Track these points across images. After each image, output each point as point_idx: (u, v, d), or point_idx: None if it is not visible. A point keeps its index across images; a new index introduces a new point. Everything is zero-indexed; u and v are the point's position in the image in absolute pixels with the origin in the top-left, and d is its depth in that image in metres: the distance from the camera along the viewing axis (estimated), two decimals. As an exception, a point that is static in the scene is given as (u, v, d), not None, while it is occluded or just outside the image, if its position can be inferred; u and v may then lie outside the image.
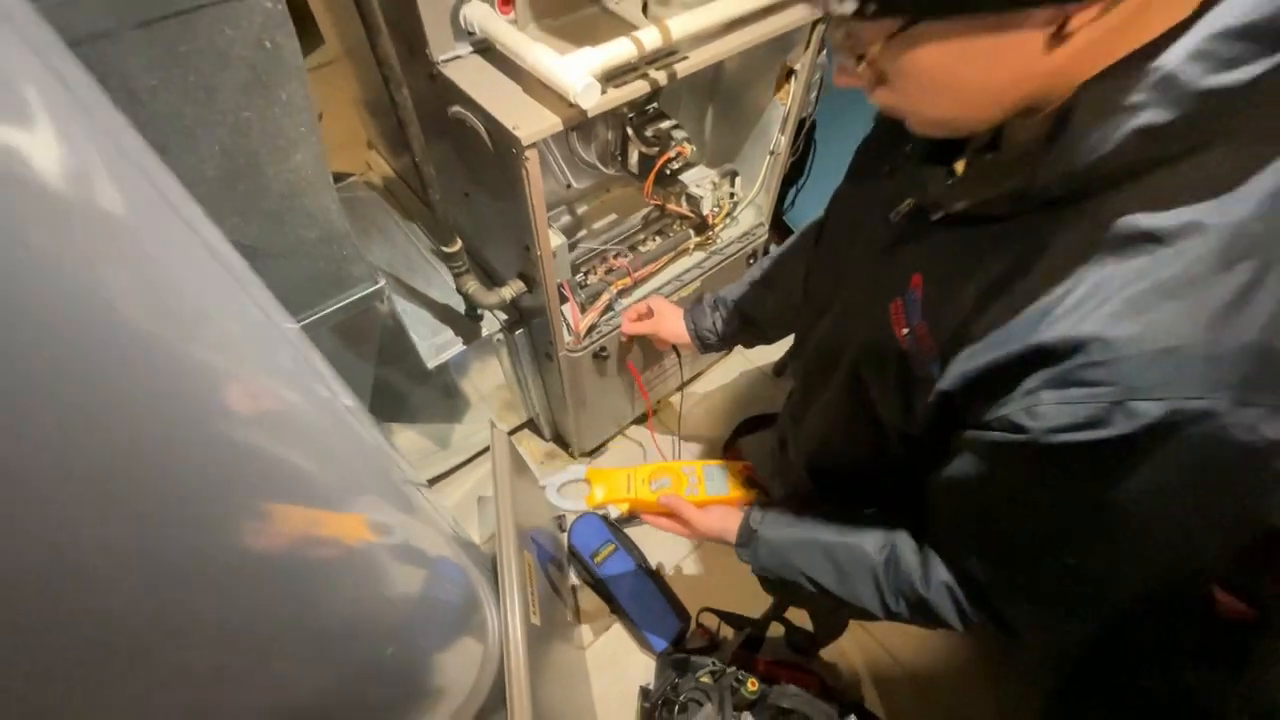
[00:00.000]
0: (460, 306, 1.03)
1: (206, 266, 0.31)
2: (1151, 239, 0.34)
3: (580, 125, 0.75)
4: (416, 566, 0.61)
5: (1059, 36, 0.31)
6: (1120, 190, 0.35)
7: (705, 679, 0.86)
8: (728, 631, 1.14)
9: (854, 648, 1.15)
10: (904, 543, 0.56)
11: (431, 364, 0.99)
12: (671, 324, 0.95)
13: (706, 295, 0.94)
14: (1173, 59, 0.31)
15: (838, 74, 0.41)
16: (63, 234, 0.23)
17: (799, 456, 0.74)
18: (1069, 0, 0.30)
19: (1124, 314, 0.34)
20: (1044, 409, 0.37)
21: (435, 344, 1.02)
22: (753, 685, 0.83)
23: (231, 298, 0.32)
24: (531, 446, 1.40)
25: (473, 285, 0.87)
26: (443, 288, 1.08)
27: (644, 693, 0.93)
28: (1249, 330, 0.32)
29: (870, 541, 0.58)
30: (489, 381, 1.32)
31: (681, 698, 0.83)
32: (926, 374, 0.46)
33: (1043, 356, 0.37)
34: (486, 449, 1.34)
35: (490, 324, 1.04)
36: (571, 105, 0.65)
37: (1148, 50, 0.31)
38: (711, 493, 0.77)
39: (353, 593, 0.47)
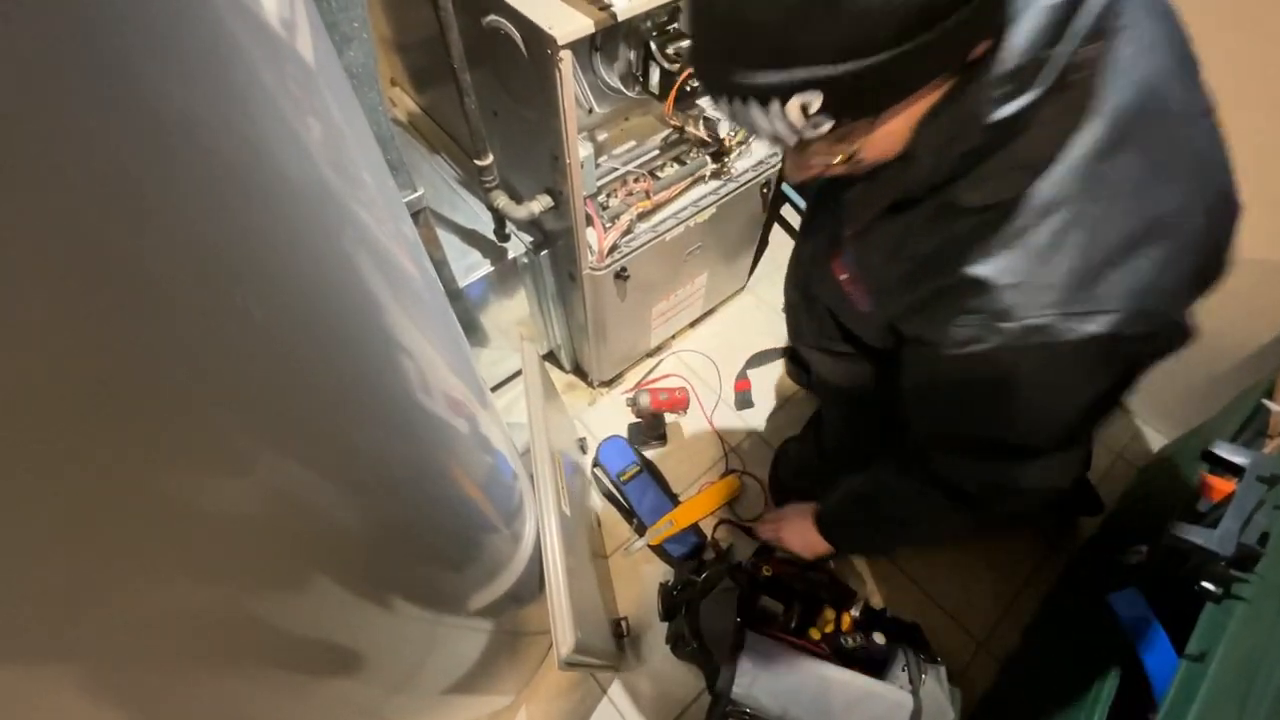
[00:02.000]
0: (487, 232, 1.08)
1: (363, 134, 0.36)
2: (980, 210, 0.48)
3: (609, 34, 0.79)
4: (486, 453, 0.68)
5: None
6: (956, 182, 0.49)
7: (724, 567, 0.93)
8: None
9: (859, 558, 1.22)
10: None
11: (462, 282, 1.04)
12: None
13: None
14: (969, 104, 0.43)
15: (798, 172, 0.52)
16: (281, 74, 0.28)
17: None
18: (954, 67, 0.41)
19: (980, 261, 0.49)
20: (946, 330, 0.53)
21: (465, 265, 1.07)
22: (768, 570, 0.90)
23: (375, 164, 0.38)
24: (553, 378, 1.45)
25: (503, 199, 0.92)
26: (469, 215, 1.12)
27: (663, 587, 1.00)
28: (1064, 262, 0.46)
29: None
30: (508, 316, 1.37)
31: (703, 577, 0.89)
32: (868, 309, 0.67)
33: (937, 295, 0.54)
34: (511, 377, 1.40)
35: (516, 247, 1.09)
36: (603, 8, 0.69)
37: (954, 94, 0.43)
38: None
39: (453, 445, 0.53)
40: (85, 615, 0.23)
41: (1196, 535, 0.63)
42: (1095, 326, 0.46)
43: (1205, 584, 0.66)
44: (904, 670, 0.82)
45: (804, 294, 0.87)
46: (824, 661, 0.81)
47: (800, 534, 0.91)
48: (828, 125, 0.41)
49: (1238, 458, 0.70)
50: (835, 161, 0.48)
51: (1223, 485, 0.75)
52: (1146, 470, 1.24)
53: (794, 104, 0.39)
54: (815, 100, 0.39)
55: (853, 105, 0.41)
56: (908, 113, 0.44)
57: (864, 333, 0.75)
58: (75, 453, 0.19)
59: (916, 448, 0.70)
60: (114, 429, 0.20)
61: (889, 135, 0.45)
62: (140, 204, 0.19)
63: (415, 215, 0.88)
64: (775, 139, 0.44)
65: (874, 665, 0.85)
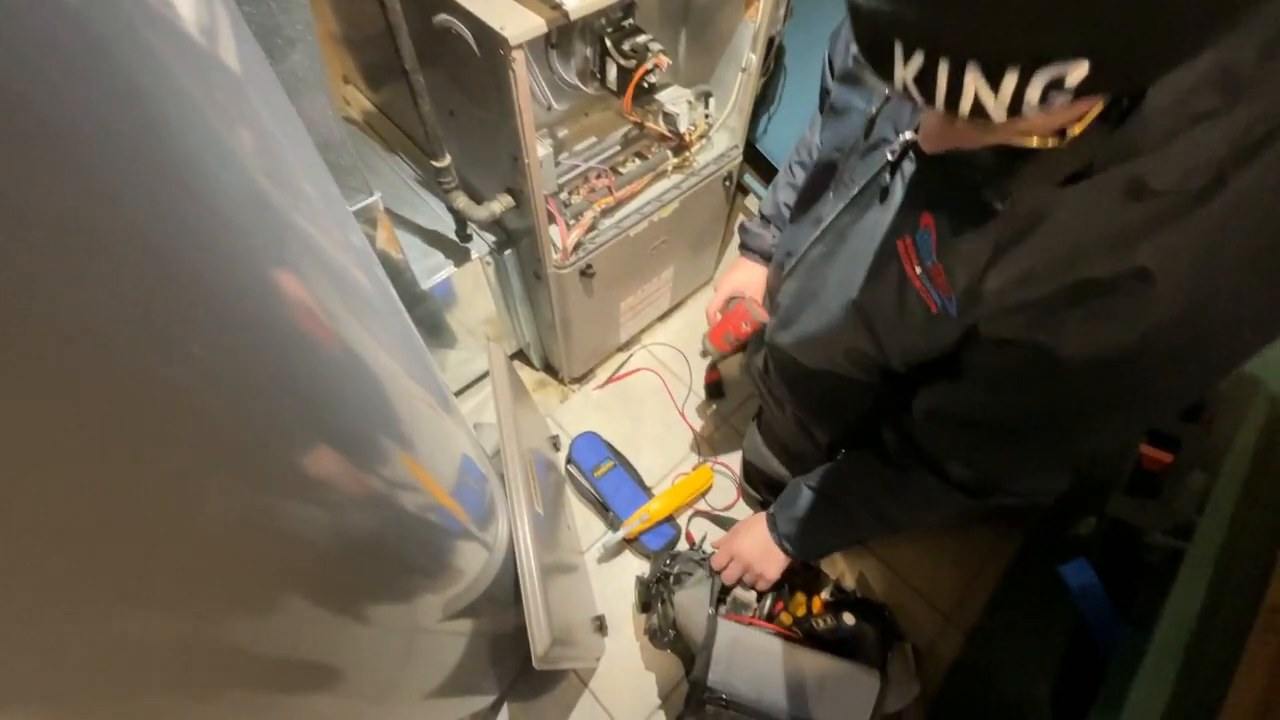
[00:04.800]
0: (448, 232, 1.07)
1: (302, 143, 0.35)
2: (1177, 195, 0.39)
3: (562, 33, 0.78)
4: (452, 458, 0.67)
5: None
6: (1144, 155, 0.39)
7: (698, 559, 0.94)
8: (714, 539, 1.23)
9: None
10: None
11: (425, 285, 1.03)
12: (748, 274, 0.96)
13: (745, 223, 0.99)
14: (1243, 54, 0.34)
15: (938, 142, 0.43)
16: (203, 82, 0.27)
17: (781, 375, 0.82)
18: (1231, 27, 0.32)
19: (1156, 252, 0.40)
20: (1072, 327, 0.44)
21: (427, 266, 1.05)
22: (740, 558, 0.92)
23: (318, 173, 0.37)
24: (523, 376, 1.45)
25: (463, 200, 0.91)
26: (430, 215, 1.11)
27: (639, 580, 1.02)
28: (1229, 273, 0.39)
29: (856, 491, 0.72)
30: (475, 315, 1.35)
31: (676, 569, 0.91)
32: (941, 309, 0.53)
33: (1077, 291, 0.43)
34: (478, 380, 1.39)
35: (479, 247, 1.08)
36: (554, 7, 0.68)
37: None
38: None
39: (416, 453, 0.53)
40: (47, 650, 0.22)
41: (1131, 509, 0.67)
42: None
43: (1147, 553, 0.70)
44: (872, 649, 0.85)
45: (832, 285, 0.68)
46: (796, 645, 0.84)
47: (761, 555, 0.84)
48: (1063, 102, 0.31)
49: (1175, 431, 0.74)
50: (1020, 139, 0.38)
51: (1160, 456, 0.79)
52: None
53: (1043, 76, 0.30)
54: (1076, 73, 0.29)
55: (1114, 79, 0.31)
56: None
57: (912, 341, 0.60)
58: (21, 489, 0.19)
59: (912, 438, 0.64)
60: (52, 466, 0.20)
61: (1074, 114, 0.37)
62: (43, 234, 0.18)
63: (372, 220, 0.86)
64: (975, 112, 0.33)
65: (844, 645, 0.88)
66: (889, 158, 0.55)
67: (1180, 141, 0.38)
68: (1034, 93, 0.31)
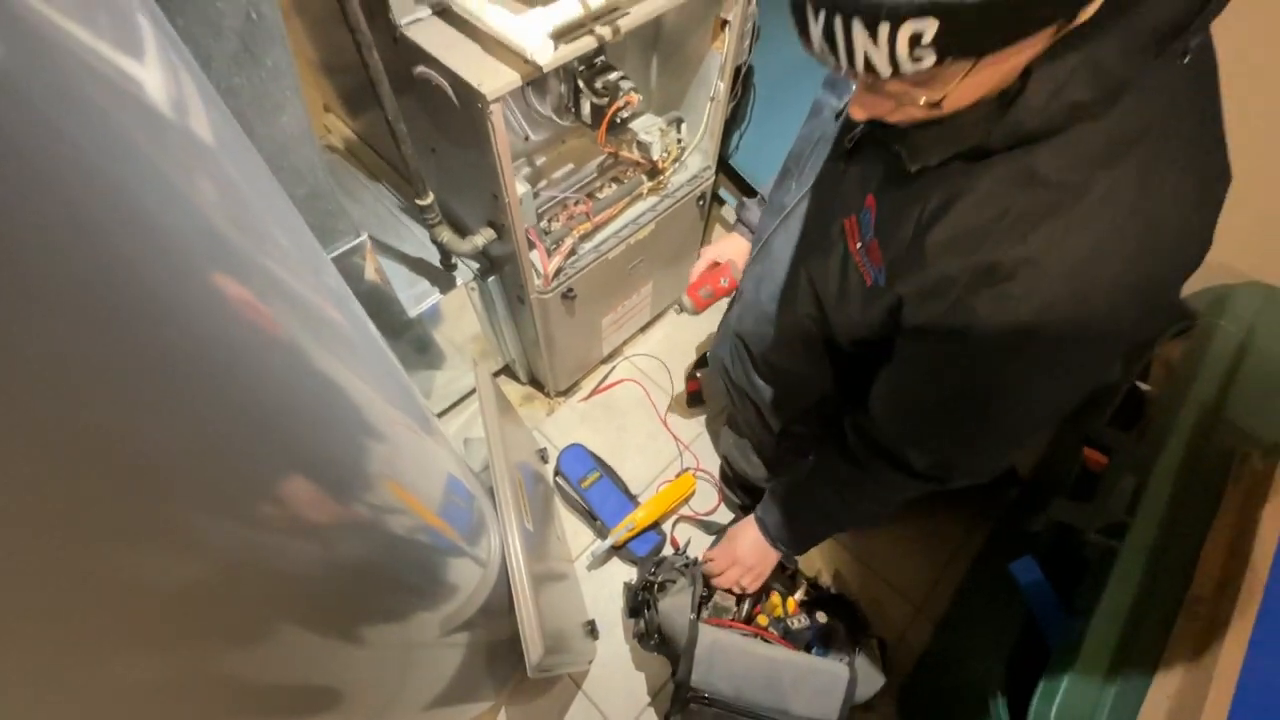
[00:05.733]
0: (433, 259, 1.11)
1: (270, 192, 0.39)
2: (1061, 187, 0.45)
3: (536, 80, 0.82)
4: (438, 480, 0.71)
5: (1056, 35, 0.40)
6: (1038, 145, 0.45)
7: (680, 566, 1.00)
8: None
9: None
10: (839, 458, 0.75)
11: (412, 313, 1.07)
12: (733, 244, 0.99)
13: (744, 200, 1.02)
14: (1106, 52, 0.39)
15: (866, 110, 0.49)
16: (166, 147, 0.28)
17: (743, 366, 0.88)
18: (1075, 14, 0.38)
19: (1045, 242, 0.46)
20: (980, 310, 0.51)
21: (413, 294, 1.09)
22: (720, 564, 0.98)
23: (288, 220, 0.40)
24: (510, 390, 1.50)
25: (447, 234, 0.95)
26: (414, 243, 1.15)
27: (627, 586, 1.07)
28: (1129, 263, 0.45)
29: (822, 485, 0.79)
30: (462, 334, 1.39)
31: (660, 578, 0.97)
32: (874, 282, 0.60)
33: (983, 275, 0.50)
34: (467, 395, 1.44)
35: (464, 273, 1.12)
36: (528, 62, 0.73)
37: (1073, 40, 0.40)
38: None
39: (402, 478, 0.56)
40: (48, 695, 0.25)
41: (1069, 511, 0.74)
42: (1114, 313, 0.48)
43: (1087, 550, 0.77)
44: (842, 645, 0.92)
45: (789, 263, 0.76)
46: (772, 644, 0.90)
47: (761, 555, 0.90)
48: (930, 61, 0.38)
49: (1107, 439, 0.80)
50: (916, 103, 0.45)
51: (1099, 458, 0.86)
52: (1052, 443, 1.37)
53: (905, 30, 0.37)
54: (930, 29, 0.36)
55: (965, 42, 0.38)
56: (1003, 65, 0.41)
57: (851, 315, 0.67)
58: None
59: (866, 432, 0.71)
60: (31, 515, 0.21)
61: (977, 85, 0.43)
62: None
63: (361, 256, 0.90)
64: (868, 68, 0.40)
65: (819, 642, 0.95)
66: (846, 145, 0.63)
67: (1069, 135, 0.44)
68: (903, 47, 0.38)
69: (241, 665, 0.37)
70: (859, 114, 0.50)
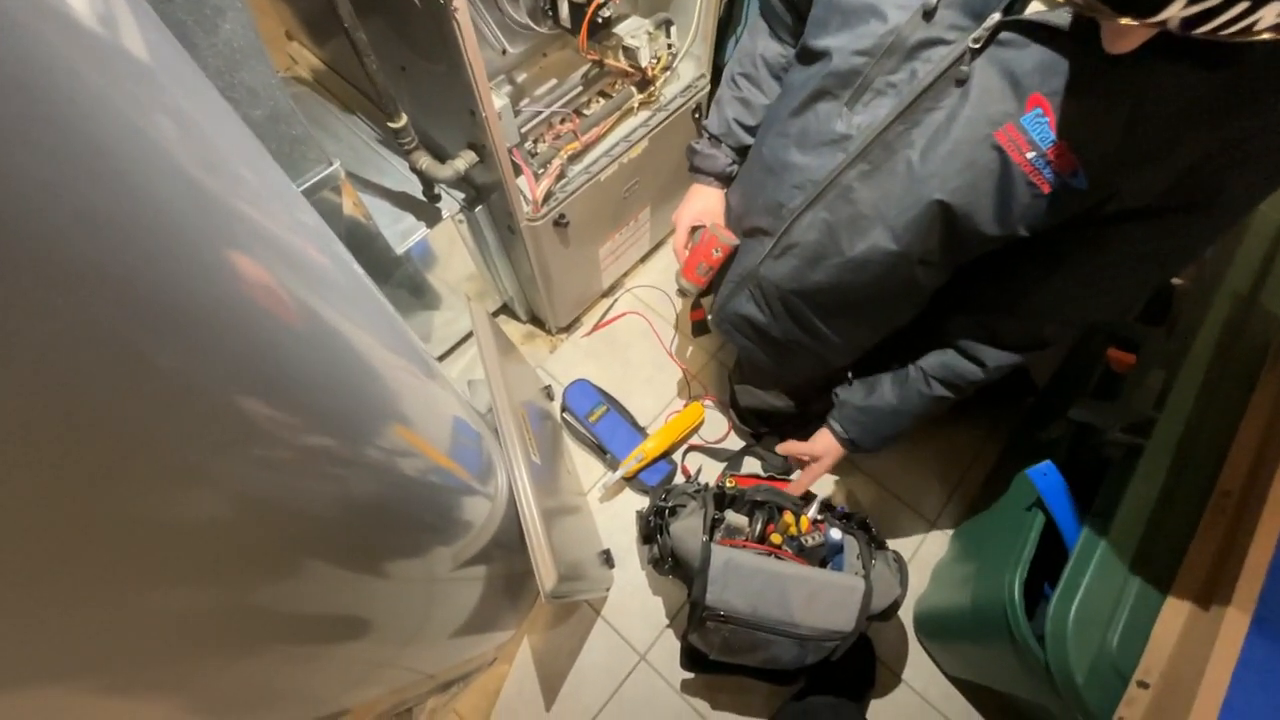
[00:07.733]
0: (416, 192, 1.05)
1: (229, 123, 0.34)
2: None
3: (504, -27, 0.74)
4: (443, 421, 0.69)
5: None
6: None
7: (691, 491, 0.99)
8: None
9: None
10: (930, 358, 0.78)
11: (399, 249, 1.02)
12: (704, 201, 0.94)
13: (693, 144, 0.94)
14: None
15: (1128, 42, 0.43)
16: (106, 73, 0.25)
17: (800, 311, 0.83)
18: None
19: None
20: (1229, 178, 0.50)
21: (398, 231, 1.04)
22: (733, 481, 0.97)
23: (254, 155, 0.36)
24: (510, 329, 1.46)
25: (425, 160, 0.89)
26: (395, 176, 1.09)
27: (639, 514, 1.07)
28: None
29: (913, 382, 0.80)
30: (455, 273, 1.35)
31: (671, 504, 0.96)
32: (1057, 188, 0.54)
33: (1236, 143, 0.48)
34: (467, 337, 1.41)
35: (450, 205, 1.07)
36: (492, -53, 0.65)
37: None
38: None
39: (407, 421, 0.55)
40: (94, 626, 0.25)
41: (1091, 411, 0.70)
42: None
43: (1107, 451, 0.74)
44: (858, 558, 0.91)
45: (898, 201, 0.64)
46: (787, 561, 0.90)
47: (836, 456, 0.93)
48: None
49: (1136, 335, 0.76)
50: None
51: (1125, 358, 0.82)
52: (1072, 351, 1.33)
53: None
54: None
55: None
56: None
57: (1010, 228, 0.58)
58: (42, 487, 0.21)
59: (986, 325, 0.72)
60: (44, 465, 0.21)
61: None
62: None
63: (335, 188, 0.85)
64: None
65: (832, 558, 0.95)
66: (971, 45, 0.53)
67: None
68: None
69: (276, 598, 0.38)
70: (1124, 46, 0.43)
